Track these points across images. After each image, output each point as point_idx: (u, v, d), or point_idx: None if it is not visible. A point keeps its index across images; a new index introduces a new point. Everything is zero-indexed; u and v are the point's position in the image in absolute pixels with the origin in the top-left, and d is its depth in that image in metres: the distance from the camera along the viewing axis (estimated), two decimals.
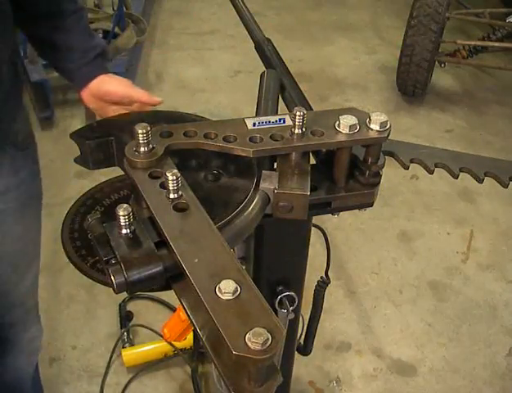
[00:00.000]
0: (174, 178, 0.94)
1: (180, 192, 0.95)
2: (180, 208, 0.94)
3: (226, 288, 0.77)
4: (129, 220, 0.89)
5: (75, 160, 1.17)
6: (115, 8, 3.30)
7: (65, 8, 1.29)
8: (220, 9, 4.48)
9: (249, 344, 0.70)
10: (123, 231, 0.90)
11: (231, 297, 0.77)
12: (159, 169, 1.01)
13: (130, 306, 2.37)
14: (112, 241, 0.88)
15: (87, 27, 1.37)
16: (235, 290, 0.77)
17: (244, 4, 1.73)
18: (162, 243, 0.88)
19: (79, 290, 2.44)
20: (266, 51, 1.57)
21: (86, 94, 1.36)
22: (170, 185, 0.94)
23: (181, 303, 0.87)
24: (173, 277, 0.88)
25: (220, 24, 4.35)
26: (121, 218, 0.88)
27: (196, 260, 0.85)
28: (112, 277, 0.84)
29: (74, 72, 1.35)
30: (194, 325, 0.84)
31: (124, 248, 0.87)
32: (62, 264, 2.47)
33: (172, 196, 0.94)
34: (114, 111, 1.34)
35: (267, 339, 0.70)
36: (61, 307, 2.39)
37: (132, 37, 3.21)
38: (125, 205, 0.88)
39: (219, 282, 0.78)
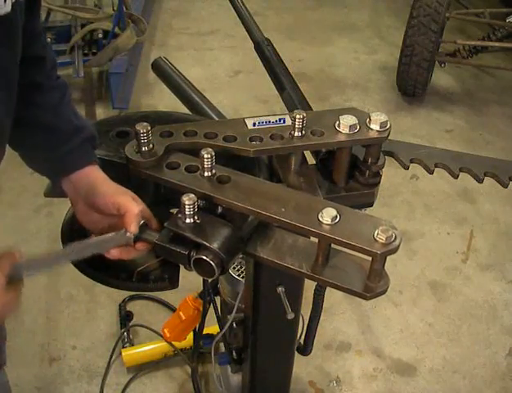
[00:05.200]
0: (209, 156, 0.97)
1: (214, 170, 1.01)
2: (224, 181, 1.01)
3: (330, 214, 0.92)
4: (194, 208, 0.94)
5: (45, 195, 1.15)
6: (115, 8, 3.30)
7: (41, 82, 1.06)
8: (220, 9, 4.48)
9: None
10: (188, 220, 0.95)
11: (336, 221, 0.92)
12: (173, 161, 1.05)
13: (130, 306, 2.37)
14: (189, 233, 0.94)
15: (71, 107, 1.12)
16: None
17: (243, 4, 1.74)
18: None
19: (79, 290, 2.44)
20: (265, 52, 1.57)
21: (72, 194, 1.07)
22: (205, 163, 1.00)
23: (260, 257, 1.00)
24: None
25: (220, 24, 4.35)
26: (187, 207, 0.93)
27: (283, 209, 0.95)
28: (212, 263, 0.91)
29: (55, 161, 1.06)
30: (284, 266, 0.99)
31: (208, 234, 0.94)
32: None
33: (207, 173, 1.01)
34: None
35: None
36: (61, 307, 2.39)
37: (132, 37, 3.21)
38: (191, 195, 0.92)
39: (320, 212, 0.92)
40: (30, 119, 1.05)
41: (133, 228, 0.96)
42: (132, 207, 0.98)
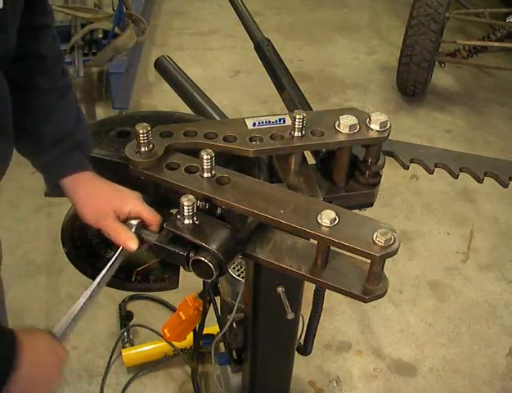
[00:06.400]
0: (209, 157, 0.98)
1: (213, 171, 1.01)
2: (224, 182, 1.01)
3: (329, 216, 0.92)
4: (193, 209, 0.94)
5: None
6: (115, 8, 3.29)
7: (39, 84, 1.06)
8: (220, 9, 4.47)
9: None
10: (187, 221, 0.95)
11: (335, 223, 0.92)
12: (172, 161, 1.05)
13: (130, 306, 2.37)
14: (187, 234, 0.94)
15: (69, 109, 1.11)
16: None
17: (243, 4, 1.74)
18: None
19: (79, 290, 2.43)
20: (265, 52, 1.57)
21: (72, 191, 1.08)
22: (205, 164, 1.00)
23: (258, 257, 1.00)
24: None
25: (220, 24, 4.35)
26: (185, 208, 0.93)
27: (282, 211, 0.95)
28: (210, 264, 0.91)
29: (44, 167, 1.09)
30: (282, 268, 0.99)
31: (206, 236, 0.93)
32: (62, 264, 2.47)
33: (206, 174, 1.01)
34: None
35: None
36: (61, 307, 2.39)
37: (132, 37, 3.21)
38: (189, 196, 0.92)
39: (320, 214, 0.92)
40: (19, 124, 1.04)
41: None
42: (147, 212, 1.03)
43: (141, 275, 1.16)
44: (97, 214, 1.03)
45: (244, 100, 3.57)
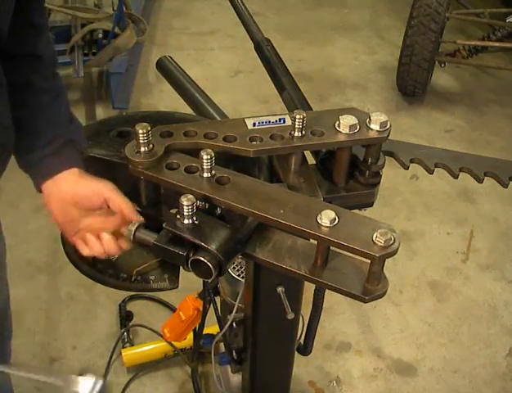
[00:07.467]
0: (209, 157, 0.97)
1: (213, 171, 1.01)
2: (224, 182, 1.01)
3: (328, 216, 0.91)
4: (193, 209, 0.93)
5: None
6: (115, 8, 3.30)
7: (34, 82, 1.07)
8: (220, 9, 4.47)
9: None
10: (186, 221, 0.94)
11: (335, 223, 0.92)
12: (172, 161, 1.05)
13: (130, 306, 2.37)
14: (187, 234, 0.93)
15: (62, 108, 1.12)
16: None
17: (243, 4, 1.74)
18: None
19: (79, 290, 2.44)
20: (265, 52, 1.57)
21: (49, 195, 1.11)
22: (205, 164, 0.99)
23: (258, 257, 0.99)
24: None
25: (220, 24, 4.35)
26: (185, 208, 0.92)
27: (282, 211, 0.94)
28: (210, 264, 0.91)
29: (35, 164, 1.08)
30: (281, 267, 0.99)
31: (206, 236, 0.93)
32: (62, 264, 2.47)
33: (206, 174, 1.00)
34: (84, 226, 1.06)
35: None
36: (61, 307, 2.39)
37: (132, 37, 3.21)
38: (189, 196, 0.92)
39: (319, 214, 0.92)
40: (15, 121, 1.04)
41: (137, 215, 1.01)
42: (125, 203, 1.02)
43: (141, 275, 1.16)
44: (100, 181, 1.04)
45: (244, 100, 3.57)
